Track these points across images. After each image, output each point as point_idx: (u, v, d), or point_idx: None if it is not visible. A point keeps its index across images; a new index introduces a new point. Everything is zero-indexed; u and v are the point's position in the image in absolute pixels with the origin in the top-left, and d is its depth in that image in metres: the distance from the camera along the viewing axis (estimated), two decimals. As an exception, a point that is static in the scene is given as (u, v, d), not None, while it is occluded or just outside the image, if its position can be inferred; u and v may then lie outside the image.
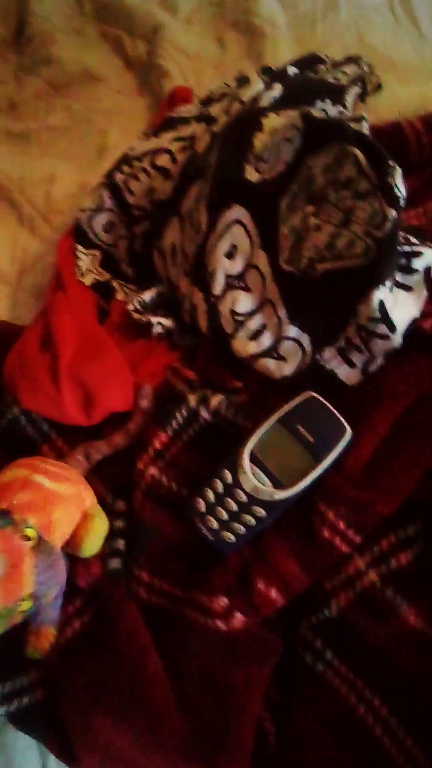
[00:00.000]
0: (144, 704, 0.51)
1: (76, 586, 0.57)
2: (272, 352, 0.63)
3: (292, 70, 0.78)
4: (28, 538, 0.51)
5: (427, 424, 0.58)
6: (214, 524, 0.58)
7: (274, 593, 0.56)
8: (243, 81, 0.77)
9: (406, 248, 0.58)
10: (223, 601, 0.56)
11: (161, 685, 0.52)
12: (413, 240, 0.59)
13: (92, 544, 0.57)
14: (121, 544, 0.60)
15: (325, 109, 0.70)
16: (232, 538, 0.58)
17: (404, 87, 0.89)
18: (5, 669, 0.55)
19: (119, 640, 0.55)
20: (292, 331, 0.62)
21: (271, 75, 0.77)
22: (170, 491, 0.61)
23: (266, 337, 0.63)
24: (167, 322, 0.70)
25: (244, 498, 0.58)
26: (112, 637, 0.55)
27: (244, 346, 0.64)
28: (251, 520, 0.58)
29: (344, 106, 0.72)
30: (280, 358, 0.63)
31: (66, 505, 0.55)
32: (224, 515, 0.58)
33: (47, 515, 0.53)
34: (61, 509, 0.54)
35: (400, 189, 0.56)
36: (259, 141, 0.64)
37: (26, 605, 0.50)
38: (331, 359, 0.61)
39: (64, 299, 0.73)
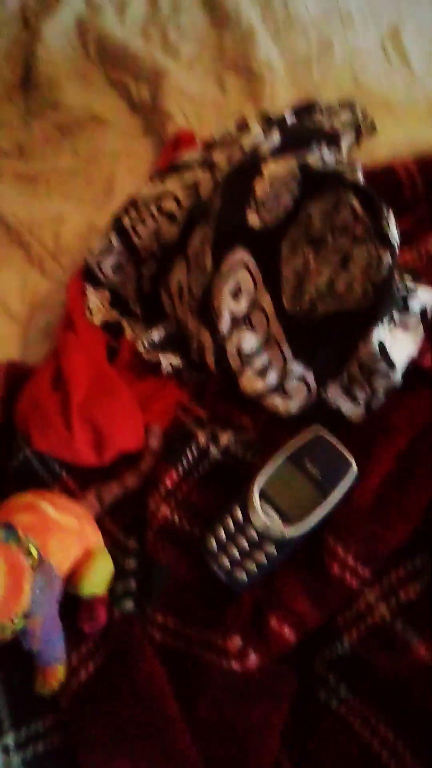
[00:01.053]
0: (164, 747, 0.51)
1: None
2: (278, 389, 0.64)
3: (289, 117, 0.80)
4: (29, 556, 0.51)
5: (430, 457, 0.59)
6: (227, 563, 0.59)
7: (287, 631, 0.56)
8: (243, 127, 0.79)
9: (403, 289, 0.59)
10: (238, 641, 0.56)
11: (180, 727, 0.52)
12: (408, 281, 0.60)
13: (92, 581, 0.57)
14: (133, 584, 0.60)
15: (322, 154, 0.72)
16: (245, 576, 0.58)
17: (398, 127, 0.90)
18: (20, 714, 0.55)
19: (136, 682, 0.54)
20: (297, 368, 0.63)
21: (270, 122, 0.79)
22: (182, 530, 0.61)
23: (272, 374, 0.64)
24: (176, 360, 0.70)
25: (255, 536, 0.59)
26: (130, 680, 0.55)
27: (251, 383, 0.65)
28: (263, 558, 0.58)
29: (340, 151, 0.74)
30: (286, 395, 0.64)
31: (64, 535, 0.55)
32: (236, 554, 0.59)
33: (44, 540, 0.53)
34: (58, 539, 0.55)
35: (394, 233, 0.58)
36: (260, 188, 0.65)
37: (19, 623, 0.50)
38: (335, 396, 0.62)
39: (74, 339, 0.74)
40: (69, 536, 0.55)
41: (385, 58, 1.05)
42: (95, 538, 0.59)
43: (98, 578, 0.57)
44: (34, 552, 0.51)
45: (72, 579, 0.56)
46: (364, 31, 1.08)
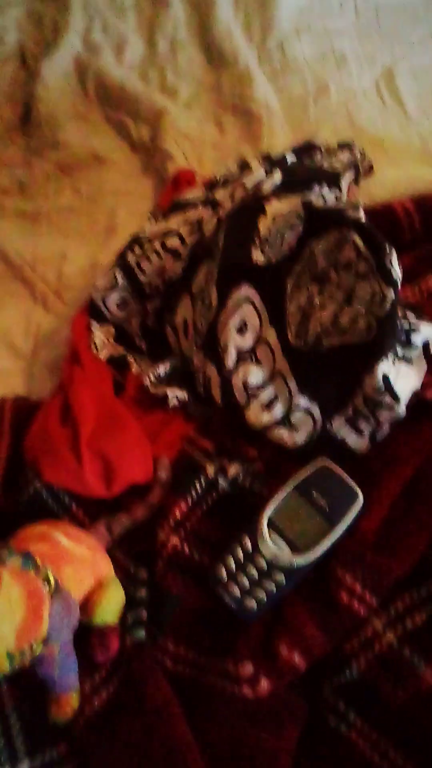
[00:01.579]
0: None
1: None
2: (284, 421, 0.68)
3: (290, 158, 0.86)
4: (48, 583, 0.53)
5: (434, 487, 0.63)
6: (237, 592, 0.62)
7: (296, 658, 0.59)
8: (245, 167, 0.85)
9: (405, 325, 0.64)
10: (249, 668, 0.58)
11: (194, 755, 0.54)
12: (411, 317, 0.65)
13: (104, 611, 0.59)
14: (144, 613, 0.63)
15: (322, 194, 0.77)
16: (255, 605, 0.61)
17: (393, 167, 0.96)
18: (34, 742, 0.57)
19: (149, 710, 0.57)
20: (303, 401, 0.67)
21: (271, 162, 0.85)
22: (192, 560, 0.64)
23: (278, 407, 0.68)
24: (182, 393, 0.74)
25: (264, 565, 0.62)
26: (143, 708, 0.57)
27: (257, 416, 0.69)
28: (272, 587, 0.61)
29: (340, 191, 0.79)
30: (293, 427, 0.68)
31: (78, 566, 0.58)
32: (246, 582, 0.62)
33: (58, 569, 0.56)
34: (72, 568, 0.57)
35: (397, 270, 0.62)
36: (264, 225, 0.70)
37: (37, 649, 0.52)
38: (340, 428, 0.66)
39: (81, 374, 0.77)
40: (82, 566, 0.58)
41: (380, 99, 1.11)
42: (107, 568, 0.61)
43: (110, 608, 0.59)
44: (52, 579, 0.54)
45: (85, 608, 0.58)
46: (358, 73, 1.15)
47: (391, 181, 0.87)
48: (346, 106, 1.10)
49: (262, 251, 0.70)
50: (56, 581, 0.54)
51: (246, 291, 0.70)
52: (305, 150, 0.90)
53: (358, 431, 0.65)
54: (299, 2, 1.25)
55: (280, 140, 1.04)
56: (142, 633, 0.62)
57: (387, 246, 0.63)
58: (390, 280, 0.62)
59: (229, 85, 1.16)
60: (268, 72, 1.17)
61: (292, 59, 1.18)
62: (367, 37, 1.20)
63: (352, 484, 0.63)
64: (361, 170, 0.88)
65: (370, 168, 0.89)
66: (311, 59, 1.17)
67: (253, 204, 0.73)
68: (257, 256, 0.70)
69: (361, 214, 0.67)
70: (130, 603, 0.62)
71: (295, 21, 1.23)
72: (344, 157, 0.87)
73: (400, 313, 0.64)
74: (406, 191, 0.84)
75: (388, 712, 0.57)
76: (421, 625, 0.59)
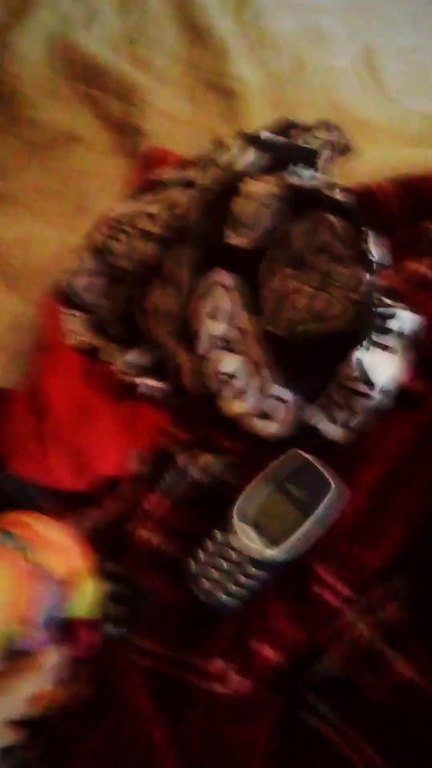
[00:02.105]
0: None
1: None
2: (259, 410, 0.67)
3: (265, 135, 0.84)
4: (27, 561, 0.52)
5: (411, 479, 0.62)
6: (207, 585, 0.61)
7: (268, 651, 0.58)
8: (220, 146, 0.83)
9: (382, 309, 0.63)
10: (219, 664, 0.58)
11: (167, 752, 0.54)
12: (388, 301, 0.64)
13: (77, 603, 0.57)
14: (115, 608, 0.62)
15: (298, 173, 0.76)
16: (226, 598, 0.60)
17: (373, 147, 0.95)
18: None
19: (120, 706, 0.56)
20: (277, 389, 0.66)
21: (247, 141, 0.83)
22: (163, 553, 0.63)
23: (251, 395, 0.67)
24: (154, 381, 0.73)
25: (235, 557, 0.61)
26: (115, 705, 0.56)
27: (230, 405, 0.68)
28: (244, 579, 0.60)
29: (316, 170, 0.78)
30: (266, 416, 0.66)
31: (54, 551, 0.56)
32: (217, 575, 0.61)
33: (33, 552, 0.54)
34: (48, 553, 0.55)
35: (374, 253, 0.61)
36: (239, 207, 0.69)
37: (17, 630, 0.50)
38: (315, 416, 0.65)
39: (50, 361, 0.76)
40: (57, 554, 0.56)
41: (359, 78, 1.10)
42: (82, 560, 0.60)
43: (84, 600, 0.57)
44: (32, 558, 0.52)
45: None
46: (339, 51, 1.13)
47: (371, 162, 0.85)
48: (325, 84, 1.08)
49: (237, 234, 0.68)
50: (38, 562, 0.53)
51: (219, 275, 0.68)
52: (281, 128, 0.88)
53: (334, 420, 0.65)
54: (277, -26, 1.23)
55: (258, 118, 1.02)
56: (112, 628, 0.61)
57: (365, 227, 0.62)
58: (367, 263, 0.61)
59: (205, 60, 1.13)
60: (245, 47, 1.14)
61: (269, 34, 1.15)
62: (348, 14, 1.18)
63: (327, 474, 0.62)
64: (339, 149, 0.86)
65: (348, 147, 0.88)
66: (290, 35, 1.15)
67: (228, 185, 0.72)
68: (231, 239, 0.68)
69: (338, 194, 0.66)
70: (101, 598, 0.62)
71: (275, -7, 1.21)
72: (321, 134, 0.85)
73: (377, 298, 0.63)
74: (385, 172, 0.82)
75: (363, 707, 0.57)
76: (395, 616, 0.59)
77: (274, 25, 1.17)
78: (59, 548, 0.57)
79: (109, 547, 0.64)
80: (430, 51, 1.12)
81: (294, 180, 0.66)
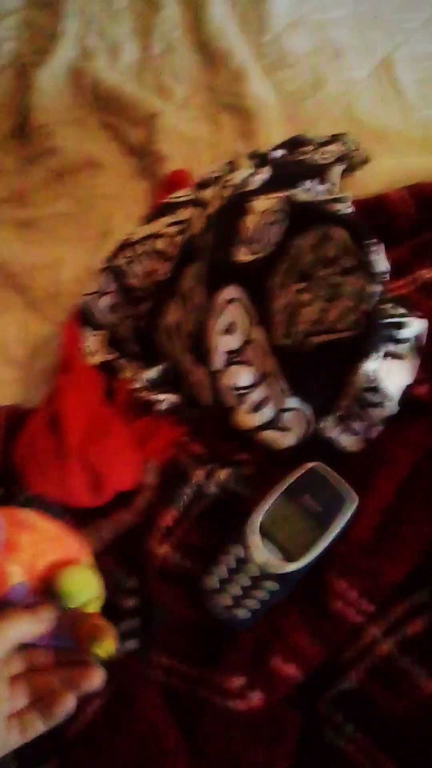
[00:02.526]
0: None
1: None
2: (274, 423, 0.67)
3: (278, 153, 0.85)
4: None
5: (429, 488, 0.61)
6: (228, 601, 0.61)
7: (291, 669, 0.58)
8: (233, 165, 0.84)
9: (394, 319, 0.62)
10: (240, 680, 0.58)
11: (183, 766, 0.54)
12: (400, 310, 0.64)
13: (70, 581, 0.54)
14: (135, 623, 0.62)
15: (310, 188, 0.77)
16: (246, 614, 0.60)
17: (393, 157, 0.96)
18: (26, 757, 0.57)
19: (140, 721, 0.57)
20: (293, 402, 0.66)
21: (259, 159, 0.84)
22: (182, 569, 0.64)
23: (268, 409, 0.68)
24: (173, 398, 0.74)
25: (255, 572, 0.61)
26: (133, 720, 0.57)
27: (246, 418, 0.68)
28: (263, 595, 0.60)
29: (331, 184, 0.78)
30: (283, 429, 0.67)
31: (39, 537, 0.55)
32: (237, 591, 0.61)
33: (12, 535, 0.53)
34: (31, 537, 0.54)
35: (382, 264, 0.62)
36: (250, 223, 0.70)
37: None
38: (331, 428, 0.65)
39: (70, 381, 0.78)
40: (44, 538, 0.55)
41: (379, 88, 1.11)
42: (81, 552, 0.58)
43: (78, 581, 0.55)
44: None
45: (51, 584, 0.54)
46: (357, 64, 1.15)
47: (390, 170, 0.86)
48: (344, 97, 1.10)
49: (247, 250, 0.69)
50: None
51: (233, 291, 0.69)
52: (294, 144, 0.90)
53: (350, 430, 0.64)
54: (295, -5, 1.25)
55: (277, 136, 1.04)
56: (133, 643, 0.62)
57: (372, 239, 0.62)
58: (374, 275, 0.61)
59: (224, 83, 1.16)
60: (264, 67, 1.17)
61: (288, 53, 1.18)
62: (365, 26, 1.20)
63: (345, 486, 0.62)
64: (355, 162, 0.87)
65: (365, 159, 0.88)
66: (308, 52, 1.17)
67: (239, 202, 0.73)
68: (243, 255, 0.69)
69: (346, 208, 0.66)
70: (120, 613, 0.62)
71: (291, 14, 1.23)
72: (334, 148, 0.86)
73: (388, 307, 0.63)
74: (401, 181, 0.82)
75: (386, 724, 0.56)
76: (420, 632, 0.58)
77: (292, 44, 1.19)
78: (48, 534, 0.57)
79: (128, 562, 0.65)
80: (447, 56, 1.12)
81: (301, 196, 0.67)
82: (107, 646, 0.50)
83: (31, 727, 0.49)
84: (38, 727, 0.49)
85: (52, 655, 0.52)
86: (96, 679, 0.51)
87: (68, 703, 0.49)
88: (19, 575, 0.52)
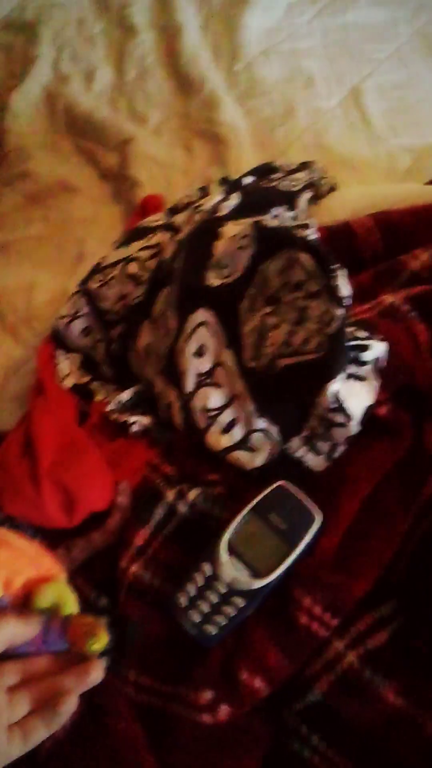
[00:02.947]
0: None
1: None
2: (243, 444, 0.70)
3: (247, 180, 0.90)
4: None
5: (391, 505, 0.65)
6: (197, 618, 0.63)
7: (258, 683, 0.61)
8: (204, 191, 0.89)
9: (356, 342, 0.66)
10: (208, 695, 0.60)
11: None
12: (362, 333, 0.68)
13: (46, 596, 0.56)
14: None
15: (279, 215, 0.81)
16: (214, 630, 0.63)
17: (360, 185, 1.01)
18: None
19: (112, 737, 0.59)
20: (261, 423, 0.70)
21: (229, 185, 0.88)
22: (153, 587, 0.66)
23: (237, 430, 0.71)
24: (145, 420, 0.77)
25: (223, 589, 0.64)
26: (106, 735, 0.59)
27: (217, 439, 0.71)
28: (231, 611, 0.63)
29: (298, 211, 0.83)
30: (251, 449, 0.70)
31: (16, 554, 0.57)
32: (206, 608, 0.64)
33: None
34: (8, 553, 0.57)
35: (345, 289, 0.66)
36: (219, 249, 0.74)
37: None
38: (298, 448, 0.68)
39: (44, 404, 0.81)
40: (20, 555, 0.58)
41: (348, 118, 1.16)
42: (55, 570, 0.60)
43: (53, 596, 0.57)
44: None
45: (27, 600, 0.56)
46: (326, 93, 1.20)
47: (353, 198, 0.90)
48: (313, 126, 1.15)
49: (217, 274, 0.73)
50: None
51: (202, 315, 0.73)
52: (263, 172, 0.94)
53: (316, 450, 0.68)
54: (267, 24, 1.30)
55: (248, 163, 1.08)
56: (105, 660, 0.64)
57: (336, 265, 0.67)
58: (338, 300, 0.65)
59: (197, 110, 1.21)
60: (237, 95, 1.22)
61: (260, 81, 1.23)
62: (335, 56, 1.25)
63: (310, 504, 0.65)
64: (321, 188, 0.91)
65: (332, 187, 0.93)
66: (279, 81, 1.22)
67: (209, 228, 0.77)
68: (212, 280, 0.73)
69: (311, 234, 0.70)
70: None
71: (263, 43, 1.28)
72: (302, 176, 0.91)
73: (351, 331, 0.67)
74: (369, 208, 0.86)
75: (351, 735, 0.59)
76: (383, 645, 0.61)
77: (265, 73, 1.24)
78: (24, 552, 0.59)
79: (99, 581, 0.68)
80: (415, 86, 1.18)
81: (269, 222, 0.71)
82: (101, 639, 0.53)
83: (33, 733, 0.50)
84: (41, 733, 0.50)
85: (48, 660, 0.54)
86: (98, 671, 0.53)
87: (70, 703, 0.51)
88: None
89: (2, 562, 0.55)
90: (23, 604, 0.56)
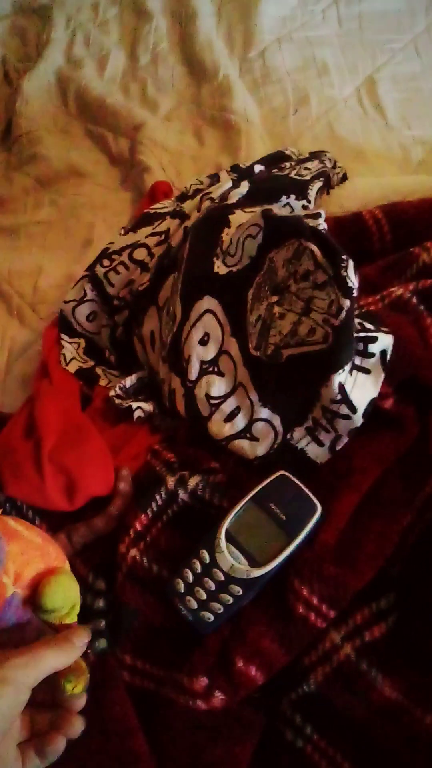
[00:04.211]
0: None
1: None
2: (246, 433, 0.70)
3: (258, 168, 0.89)
4: None
5: (393, 499, 0.64)
6: (193, 604, 0.63)
7: (253, 671, 0.61)
8: (214, 178, 0.88)
9: (363, 334, 0.66)
10: (204, 681, 0.60)
11: (148, 764, 0.56)
12: (368, 325, 0.67)
13: (55, 596, 0.56)
14: (102, 624, 0.65)
15: (289, 203, 0.80)
16: (211, 617, 0.63)
17: (372, 176, 0.99)
18: None
19: (107, 719, 0.59)
20: (264, 412, 0.69)
21: (240, 173, 0.88)
22: (151, 573, 0.66)
23: (240, 419, 0.70)
24: (147, 406, 0.77)
25: (221, 577, 0.64)
26: (101, 719, 0.59)
27: (219, 428, 0.71)
28: (228, 599, 0.63)
29: (308, 200, 0.82)
30: (254, 438, 0.70)
31: (25, 545, 0.57)
32: (203, 595, 0.63)
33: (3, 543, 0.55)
34: (19, 547, 0.56)
35: (353, 280, 0.65)
36: (226, 236, 0.73)
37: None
38: (300, 438, 0.68)
39: (48, 387, 0.80)
40: (30, 548, 0.57)
41: (361, 108, 1.14)
42: (60, 560, 0.61)
43: (61, 595, 0.57)
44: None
45: (35, 594, 0.57)
46: (340, 83, 1.19)
47: (363, 190, 0.89)
48: (326, 115, 1.14)
49: (225, 262, 0.72)
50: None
51: (208, 302, 0.72)
52: (274, 160, 0.93)
53: (319, 441, 0.67)
54: (281, 12, 1.29)
55: (259, 151, 1.08)
56: (103, 643, 0.64)
57: (344, 255, 0.66)
58: (346, 290, 0.64)
59: (209, 97, 1.20)
60: (249, 83, 1.21)
61: (273, 69, 1.22)
62: (350, 45, 1.24)
63: (311, 495, 0.65)
64: (333, 178, 0.90)
65: (343, 176, 0.92)
66: (292, 69, 1.21)
67: (218, 216, 0.76)
68: (219, 268, 0.72)
69: (321, 224, 0.70)
70: (89, 614, 0.65)
71: (277, 31, 1.27)
72: (313, 165, 0.90)
73: (357, 323, 0.66)
74: (378, 200, 0.86)
75: (345, 726, 0.59)
76: (380, 637, 0.61)
77: (278, 61, 1.23)
78: (33, 544, 0.59)
79: (98, 564, 0.68)
80: (429, 77, 1.17)
81: (278, 211, 0.70)
82: (79, 684, 0.54)
83: (30, 762, 0.51)
84: (36, 763, 0.51)
85: (43, 692, 0.54)
86: (78, 727, 0.54)
87: (60, 746, 0.52)
88: (11, 586, 0.55)
89: (13, 555, 0.55)
90: (30, 597, 0.57)
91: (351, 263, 0.66)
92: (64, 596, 0.57)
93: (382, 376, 0.66)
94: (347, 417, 0.65)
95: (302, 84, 1.19)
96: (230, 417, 0.71)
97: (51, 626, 0.57)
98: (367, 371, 0.66)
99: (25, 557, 0.56)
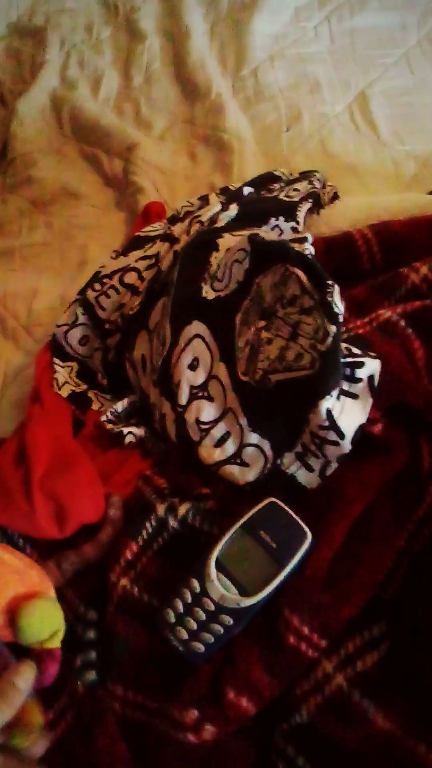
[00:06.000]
0: None
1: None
2: (236, 458, 0.69)
3: (247, 190, 0.88)
4: None
5: (384, 525, 0.63)
6: (184, 635, 0.62)
7: (244, 702, 0.59)
8: (204, 201, 0.87)
9: (350, 359, 0.65)
10: (194, 714, 0.59)
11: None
12: (355, 350, 0.66)
13: (31, 618, 0.56)
14: (94, 655, 0.64)
15: (278, 225, 0.79)
16: (202, 647, 0.62)
17: (364, 193, 0.99)
18: None
19: (97, 754, 0.58)
20: (253, 437, 0.68)
21: (228, 195, 0.87)
22: (141, 602, 0.65)
23: (230, 444, 0.69)
24: (139, 431, 0.76)
25: (212, 606, 0.63)
26: (91, 751, 0.58)
27: (209, 453, 0.70)
28: (219, 629, 0.62)
29: (297, 222, 0.81)
30: (244, 464, 0.69)
31: (3, 569, 0.57)
32: (193, 625, 0.62)
33: None
34: None
35: (339, 306, 0.64)
36: (214, 261, 0.72)
37: None
38: (290, 464, 0.67)
39: (40, 412, 0.80)
40: (9, 572, 0.57)
41: (353, 124, 1.14)
42: (43, 585, 0.60)
43: (38, 618, 0.56)
44: None
45: (13, 621, 0.56)
46: (332, 99, 1.18)
47: (354, 209, 0.88)
48: (319, 133, 1.13)
49: (213, 287, 0.72)
50: None
51: (197, 327, 0.71)
52: (264, 181, 0.92)
53: (308, 467, 0.66)
54: (274, 29, 1.29)
55: (252, 170, 1.07)
56: (92, 675, 0.63)
57: (330, 281, 0.65)
58: (332, 316, 0.63)
59: (202, 116, 1.20)
60: (242, 101, 1.21)
61: (266, 87, 1.21)
62: (342, 61, 1.23)
63: (301, 522, 0.64)
64: (323, 198, 0.90)
65: (335, 196, 0.91)
66: (285, 86, 1.21)
67: (207, 239, 0.76)
68: (207, 293, 0.72)
69: (307, 248, 0.69)
70: (80, 645, 0.64)
71: (270, 48, 1.27)
72: (302, 186, 0.89)
73: (344, 348, 0.65)
74: (369, 219, 0.85)
75: (338, 757, 0.58)
76: (372, 667, 0.60)
77: (271, 78, 1.23)
78: (12, 566, 0.58)
79: (88, 594, 0.67)
80: (421, 92, 1.16)
81: (266, 235, 0.69)
82: (29, 741, 0.54)
83: None
84: None
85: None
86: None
87: None
88: None
89: None
90: (7, 621, 0.56)
91: (337, 288, 0.65)
92: (42, 620, 0.57)
93: (370, 401, 0.65)
94: (335, 443, 0.64)
95: (295, 101, 1.18)
96: (220, 442, 0.70)
97: (32, 652, 0.57)
98: (354, 396, 0.65)
99: (2, 580, 0.56)
